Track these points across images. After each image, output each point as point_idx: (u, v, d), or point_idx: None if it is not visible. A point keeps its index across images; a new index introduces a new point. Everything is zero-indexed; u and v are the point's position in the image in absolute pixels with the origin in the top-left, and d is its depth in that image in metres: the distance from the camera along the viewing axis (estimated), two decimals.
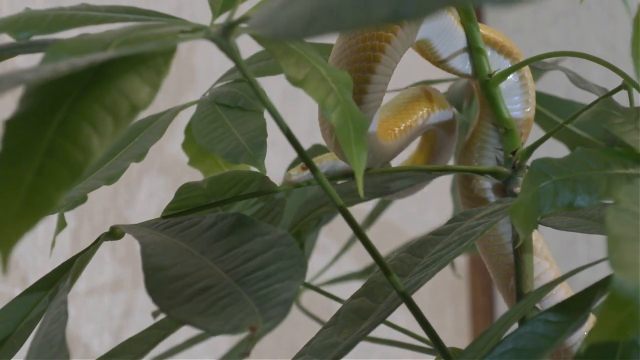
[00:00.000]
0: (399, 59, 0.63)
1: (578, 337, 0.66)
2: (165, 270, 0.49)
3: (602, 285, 0.51)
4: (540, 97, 0.82)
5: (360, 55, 0.62)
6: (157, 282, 0.48)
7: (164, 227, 0.55)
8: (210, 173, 0.84)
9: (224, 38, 0.47)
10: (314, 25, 0.35)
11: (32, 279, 1.09)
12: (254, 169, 0.67)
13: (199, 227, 0.53)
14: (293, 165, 0.85)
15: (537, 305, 0.65)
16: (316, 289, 0.82)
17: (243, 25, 0.47)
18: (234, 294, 0.46)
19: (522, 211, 0.45)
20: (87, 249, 0.59)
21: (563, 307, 0.52)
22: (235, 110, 0.71)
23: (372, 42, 0.62)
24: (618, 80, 0.62)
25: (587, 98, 0.78)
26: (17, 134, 0.41)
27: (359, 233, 0.51)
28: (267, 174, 0.66)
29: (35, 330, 0.54)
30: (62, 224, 0.77)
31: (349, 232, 0.92)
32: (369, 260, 0.97)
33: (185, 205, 0.65)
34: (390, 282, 0.51)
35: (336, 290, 0.87)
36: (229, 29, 0.47)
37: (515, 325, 0.56)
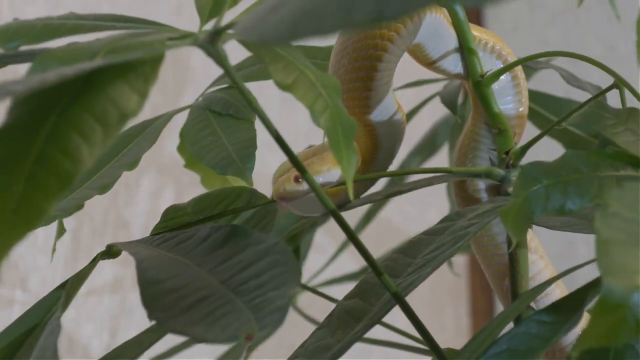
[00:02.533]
0: (399, 58, 0.64)
1: (573, 337, 0.66)
2: (161, 283, 0.49)
3: (595, 285, 0.52)
4: (536, 96, 0.82)
5: (362, 54, 0.62)
6: (152, 295, 0.48)
7: (159, 242, 0.55)
8: (207, 176, 0.84)
9: (211, 45, 0.47)
10: (298, 28, 0.35)
11: (32, 280, 1.09)
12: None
13: (193, 240, 0.53)
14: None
15: (532, 304, 0.65)
16: (313, 290, 0.82)
17: (230, 31, 0.47)
18: (229, 303, 0.46)
19: (513, 215, 0.45)
20: (84, 269, 0.60)
21: (557, 307, 0.52)
22: (226, 118, 0.71)
23: (375, 41, 0.62)
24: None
25: (585, 97, 0.78)
26: (6, 143, 0.41)
27: (351, 235, 0.51)
28: (264, 175, 0.67)
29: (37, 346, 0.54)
30: (61, 231, 0.77)
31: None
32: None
33: (172, 225, 0.65)
34: (382, 282, 0.51)
35: (334, 290, 0.87)
36: (216, 35, 0.47)
37: (510, 325, 0.57)
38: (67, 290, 0.56)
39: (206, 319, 0.46)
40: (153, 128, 0.73)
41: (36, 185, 0.41)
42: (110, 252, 0.60)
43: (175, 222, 0.66)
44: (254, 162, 0.66)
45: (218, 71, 0.80)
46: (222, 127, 0.70)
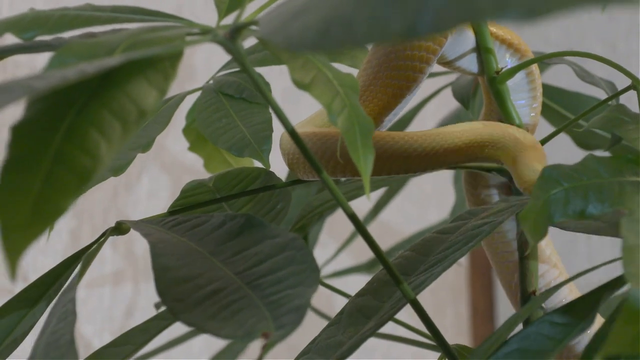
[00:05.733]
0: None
1: (581, 336, 0.66)
2: (175, 270, 0.48)
3: (609, 287, 0.51)
4: (547, 90, 0.81)
5: (408, 64, 0.62)
6: (166, 283, 0.47)
7: (171, 225, 0.54)
8: (210, 159, 0.84)
9: (231, 41, 0.46)
10: (327, 37, 0.34)
11: (33, 279, 1.08)
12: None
13: (207, 226, 0.52)
14: None
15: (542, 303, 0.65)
16: (320, 282, 0.81)
17: (252, 27, 0.46)
18: (245, 298, 0.45)
19: (532, 218, 0.45)
20: (93, 244, 0.59)
21: (569, 308, 0.51)
22: (239, 101, 0.71)
23: (421, 53, 0.62)
24: (619, 80, 0.61)
25: (593, 92, 0.78)
26: (24, 140, 0.41)
27: (372, 243, 0.50)
28: (272, 170, 0.66)
29: (41, 328, 0.53)
30: None
31: (348, 229, 0.91)
32: (368, 257, 0.97)
33: (190, 202, 0.65)
34: (401, 290, 0.51)
35: (335, 284, 0.87)
36: (237, 31, 0.46)
37: (519, 327, 0.56)
38: (81, 269, 0.55)
39: (221, 313, 0.45)
40: (165, 109, 0.72)
41: (54, 184, 0.40)
42: (120, 228, 0.59)
43: (194, 200, 0.65)
44: (271, 144, 0.66)
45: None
46: (235, 110, 0.69)
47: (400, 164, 0.60)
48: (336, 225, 1.12)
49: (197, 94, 0.75)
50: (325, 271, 0.97)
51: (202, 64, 1.26)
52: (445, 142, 0.60)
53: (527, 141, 0.60)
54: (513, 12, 0.31)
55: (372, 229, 1.01)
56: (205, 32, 0.47)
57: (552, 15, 0.31)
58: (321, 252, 1.09)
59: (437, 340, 0.55)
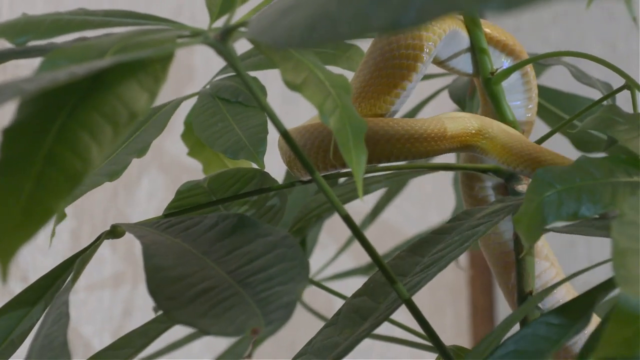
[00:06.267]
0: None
1: (578, 337, 0.66)
2: (167, 270, 0.49)
3: (604, 287, 0.51)
4: (543, 91, 0.81)
5: (401, 63, 0.63)
6: (159, 283, 0.48)
7: (165, 227, 0.55)
8: (209, 164, 0.84)
9: (222, 43, 0.46)
10: (313, 34, 0.34)
11: (32, 279, 1.09)
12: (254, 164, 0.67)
13: (200, 227, 0.53)
14: None
15: (539, 304, 0.65)
16: (318, 284, 0.81)
17: (242, 29, 0.46)
18: (236, 295, 0.46)
19: (526, 221, 0.45)
20: (88, 247, 0.59)
21: (565, 309, 0.52)
22: (235, 105, 0.71)
23: (415, 52, 0.62)
24: (618, 81, 0.61)
25: (590, 93, 0.78)
26: (16, 142, 0.41)
27: (366, 244, 0.50)
28: (267, 171, 0.66)
29: (36, 331, 0.54)
30: (61, 216, 0.77)
31: (348, 231, 0.91)
32: (368, 259, 0.97)
33: (186, 204, 0.65)
34: (395, 290, 0.51)
35: (336, 286, 0.87)
36: (227, 33, 0.46)
37: (517, 327, 0.56)
38: (74, 273, 0.55)
39: (212, 310, 0.45)
40: (162, 114, 0.72)
41: (45, 186, 0.40)
42: (115, 232, 0.60)
43: (190, 202, 0.66)
44: (266, 146, 0.66)
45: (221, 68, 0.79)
46: (231, 114, 0.70)
47: (401, 147, 0.61)
48: (336, 227, 1.12)
49: (196, 99, 0.75)
50: (325, 274, 0.97)
51: (202, 66, 1.26)
52: (438, 127, 0.61)
53: (511, 130, 0.63)
54: (493, 3, 0.31)
55: (372, 229, 1.02)
56: (196, 35, 0.47)
57: (529, 6, 0.31)
58: (321, 254, 1.09)
59: (432, 340, 0.54)
